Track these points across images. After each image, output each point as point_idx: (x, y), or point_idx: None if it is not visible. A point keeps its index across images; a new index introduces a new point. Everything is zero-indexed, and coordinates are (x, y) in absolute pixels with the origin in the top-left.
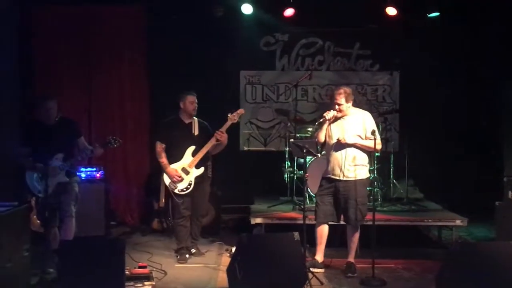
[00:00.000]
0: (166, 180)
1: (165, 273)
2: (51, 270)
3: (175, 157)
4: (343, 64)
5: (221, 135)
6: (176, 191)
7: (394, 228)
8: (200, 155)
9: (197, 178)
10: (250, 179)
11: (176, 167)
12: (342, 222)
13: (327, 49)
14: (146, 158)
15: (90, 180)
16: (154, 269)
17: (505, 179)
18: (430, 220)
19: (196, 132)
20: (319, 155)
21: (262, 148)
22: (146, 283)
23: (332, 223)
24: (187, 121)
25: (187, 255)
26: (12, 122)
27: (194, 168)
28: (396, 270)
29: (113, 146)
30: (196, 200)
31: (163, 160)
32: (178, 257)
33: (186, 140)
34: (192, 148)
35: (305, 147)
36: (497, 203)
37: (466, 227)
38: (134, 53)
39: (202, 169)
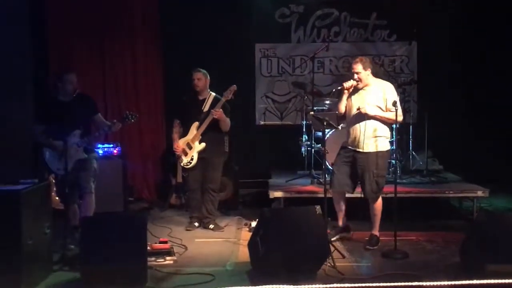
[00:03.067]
0: (175, 153)
1: (186, 248)
2: (72, 246)
3: (185, 132)
4: (360, 35)
5: (216, 113)
6: (181, 164)
7: (414, 200)
8: (200, 130)
9: (200, 152)
10: (267, 153)
11: (182, 141)
12: (357, 195)
13: (343, 20)
14: (162, 134)
15: (108, 156)
16: (175, 244)
17: None
18: (451, 192)
19: (206, 109)
20: (339, 127)
21: (279, 122)
22: (167, 258)
23: (350, 195)
24: (201, 97)
25: (195, 223)
26: (26, 98)
27: (196, 143)
28: (418, 242)
29: (131, 121)
30: (205, 173)
31: (173, 135)
32: (187, 224)
33: (194, 116)
34: (196, 123)
35: (325, 119)
36: None
37: (487, 198)
38: (147, 28)
39: (203, 145)
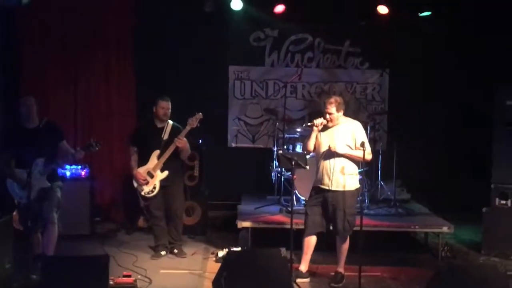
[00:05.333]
0: (134, 183)
1: (150, 281)
2: (34, 276)
3: (143, 160)
4: (333, 61)
5: (180, 142)
6: (142, 193)
7: (380, 232)
8: (162, 159)
9: (162, 181)
10: (238, 175)
11: (142, 170)
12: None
13: (317, 46)
14: None
15: (75, 178)
16: (139, 276)
17: (492, 185)
18: (417, 227)
19: (166, 137)
20: (307, 167)
21: (250, 145)
22: None
23: (322, 231)
24: (159, 125)
25: (162, 252)
26: None
27: (158, 171)
28: (383, 279)
29: (94, 150)
30: (167, 201)
31: (131, 163)
32: (153, 253)
33: (154, 144)
34: (157, 152)
35: (294, 159)
36: (484, 209)
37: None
38: (121, 49)
39: (166, 173)
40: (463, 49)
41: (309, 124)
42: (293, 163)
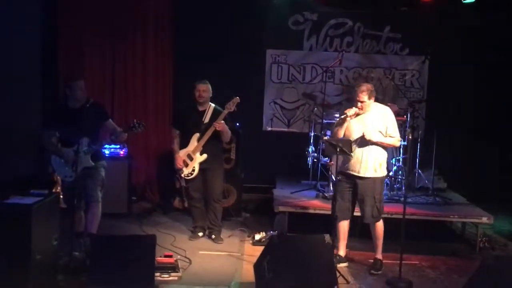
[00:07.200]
0: (176, 164)
1: (190, 262)
2: (77, 253)
3: (185, 143)
4: (372, 46)
5: (219, 125)
6: (183, 175)
7: (417, 221)
8: (202, 142)
9: (201, 164)
10: (272, 159)
11: (182, 153)
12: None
13: (356, 31)
14: (169, 136)
15: (114, 157)
16: (179, 257)
17: None
18: (456, 216)
19: (207, 120)
20: (352, 154)
21: (285, 129)
22: (172, 274)
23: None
24: (201, 109)
25: (200, 233)
26: (36, 102)
27: (198, 154)
28: (422, 268)
29: (137, 131)
30: (206, 184)
31: (173, 146)
32: (191, 234)
33: (195, 127)
34: (197, 135)
35: (339, 145)
36: None
37: None
38: (159, 28)
39: (205, 156)
40: (504, 39)
41: (342, 116)
42: (338, 149)
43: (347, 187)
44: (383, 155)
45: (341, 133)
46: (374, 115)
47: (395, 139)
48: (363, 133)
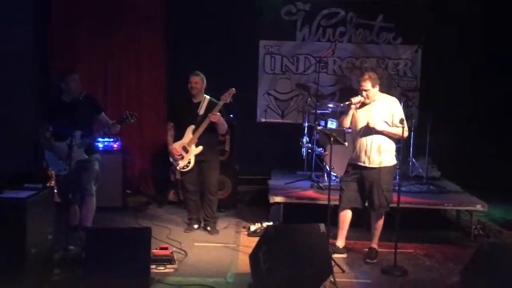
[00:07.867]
0: (170, 158)
1: (186, 254)
2: (72, 247)
3: (180, 135)
4: (365, 36)
5: (214, 117)
6: (178, 168)
7: (412, 210)
8: (197, 134)
9: (197, 156)
10: (267, 150)
11: (177, 145)
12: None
13: (349, 20)
14: (163, 128)
15: (108, 150)
16: (174, 249)
17: None
18: (450, 204)
19: (202, 112)
20: (346, 144)
21: (280, 120)
22: (168, 266)
23: (358, 207)
24: (195, 101)
25: (195, 226)
26: (30, 95)
27: (193, 146)
28: (417, 256)
29: (130, 122)
30: (202, 176)
31: (167, 138)
32: (186, 226)
33: (190, 119)
34: (192, 127)
35: (333, 135)
36: None
37: None
38: (151, 22)
39: (200, 148)
40: (498, 29)
41: (347, 103)
42: (331, 139)
43: (352, 178)
44: (388, 144)
45: (347, 123)
46: (380, 104)
47: (401, 129)
48: (367, 122)
